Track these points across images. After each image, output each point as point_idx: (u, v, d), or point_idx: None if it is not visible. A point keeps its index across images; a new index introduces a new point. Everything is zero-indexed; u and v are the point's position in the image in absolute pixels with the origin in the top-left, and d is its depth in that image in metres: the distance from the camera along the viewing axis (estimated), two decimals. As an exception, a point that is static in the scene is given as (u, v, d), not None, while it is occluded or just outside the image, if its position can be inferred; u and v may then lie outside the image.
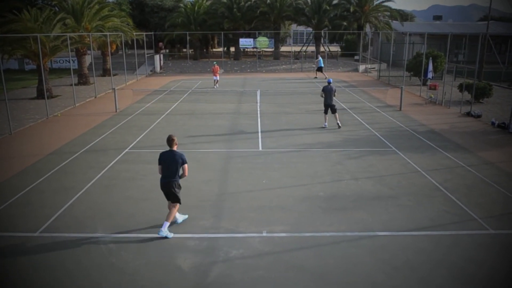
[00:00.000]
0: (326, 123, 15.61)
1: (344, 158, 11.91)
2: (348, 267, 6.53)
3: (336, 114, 15.60)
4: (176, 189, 7.46)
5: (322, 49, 42.72)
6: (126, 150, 12.71)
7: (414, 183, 9.95)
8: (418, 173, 10.64)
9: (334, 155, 12.20)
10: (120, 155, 12.16)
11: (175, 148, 7.48)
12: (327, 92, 15.47)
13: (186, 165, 7.46)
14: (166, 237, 7.36)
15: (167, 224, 7.42)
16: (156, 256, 6.86)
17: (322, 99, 15.73)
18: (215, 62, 28.41)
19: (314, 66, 35.12)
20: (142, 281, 6.21)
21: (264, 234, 7.54)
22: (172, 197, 7.50)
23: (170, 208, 7.58)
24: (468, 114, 17.73)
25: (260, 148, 12.96)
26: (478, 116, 17.32)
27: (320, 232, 7.61)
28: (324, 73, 32.01)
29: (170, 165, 7.39)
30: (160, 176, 7.59)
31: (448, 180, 10.16)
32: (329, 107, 15.53)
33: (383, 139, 13.88)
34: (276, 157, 12.06)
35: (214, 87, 26.22)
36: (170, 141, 7.49)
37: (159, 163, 7.50)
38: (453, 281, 6.16)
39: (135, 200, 9.04)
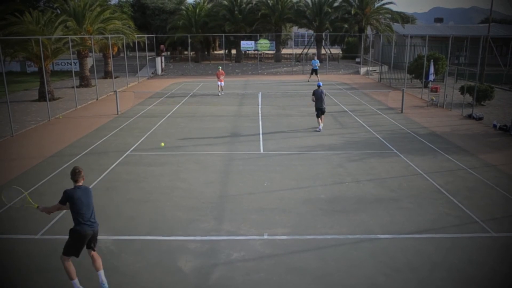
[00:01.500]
0: (321, 126, 15.44)
1: (345, 160, 11.91)
2: (349, 269, 6.53)
3: (323, 116, 15.55)
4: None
5: (323, 51, 42.76)
6: (128, 152, 12.71)
7: (415, 186, 9.94)
8: (419, 176, 10.63)
9: (335, 157, 12.20)
10: (121, 158, 12.16)
11: (81, 182, 5.97)
12: (318, 96, 15.39)
13: None
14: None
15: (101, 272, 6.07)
16: (157, 258, 6.86)
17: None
18: (219, 67, 25.76)
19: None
20: (143, 283, 6.21)
21: (266, 237, 7.53)
22: (96, 239, 6.10)
23: (95, 257, 6.09)
24: (470, 116, 17.71)
25: (262, 151, 12.96)
26: (480, 119, 17.29)
27: (321, 235, 7.60)
28: (317, 75, 31.17)
29: (89, 203, 5.94)
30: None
31: (449, 182, 10.15)
32: (320, 110, 15.42)
33: (385, 142, 13.87)
34: (278, 159, 12.06)
35: (219, 93, 24.29)
36: (76, 174, 5.92)
37: (68, 203, 5.85)
38: (454, 283, 6.15)
39: (136, 202, 9.05)
